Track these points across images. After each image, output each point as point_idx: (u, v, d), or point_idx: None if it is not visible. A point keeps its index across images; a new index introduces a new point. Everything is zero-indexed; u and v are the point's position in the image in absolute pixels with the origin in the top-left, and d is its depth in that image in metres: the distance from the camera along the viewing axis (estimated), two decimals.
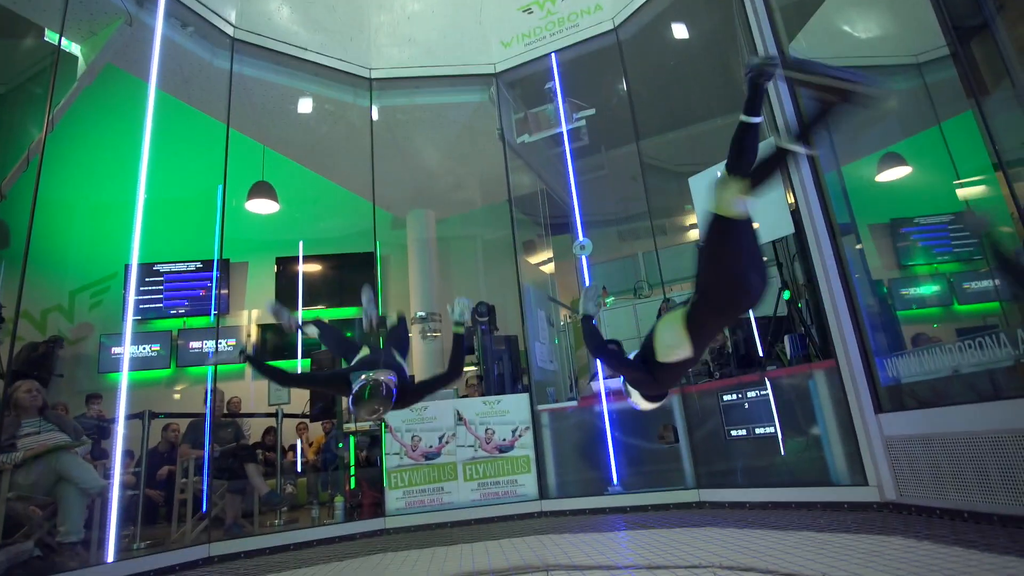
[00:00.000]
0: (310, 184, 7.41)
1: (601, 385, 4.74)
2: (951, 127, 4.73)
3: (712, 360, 4.71)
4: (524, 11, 5.63)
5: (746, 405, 4.22)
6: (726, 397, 4.33)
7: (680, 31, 5.56)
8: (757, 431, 4.14)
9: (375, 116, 5.97)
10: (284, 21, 5.38)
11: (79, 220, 7.66)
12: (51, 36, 4.66)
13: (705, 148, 6.56)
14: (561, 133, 5.45)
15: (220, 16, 4.94)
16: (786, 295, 4.55)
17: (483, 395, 5.41)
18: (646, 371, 2.44)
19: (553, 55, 5.57)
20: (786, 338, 4.24)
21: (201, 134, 5.63)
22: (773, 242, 4.39)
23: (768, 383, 4.10)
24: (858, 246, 4.93)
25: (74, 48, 4.78)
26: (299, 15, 5.45)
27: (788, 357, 4.17)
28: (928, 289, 6.78)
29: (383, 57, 5.82)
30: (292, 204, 7.82)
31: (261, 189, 7.12)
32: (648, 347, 2.43)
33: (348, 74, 5.69)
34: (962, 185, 4.99)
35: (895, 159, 5.97)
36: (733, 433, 4.26)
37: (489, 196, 7.64)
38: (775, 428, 4.03)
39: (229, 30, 5.04)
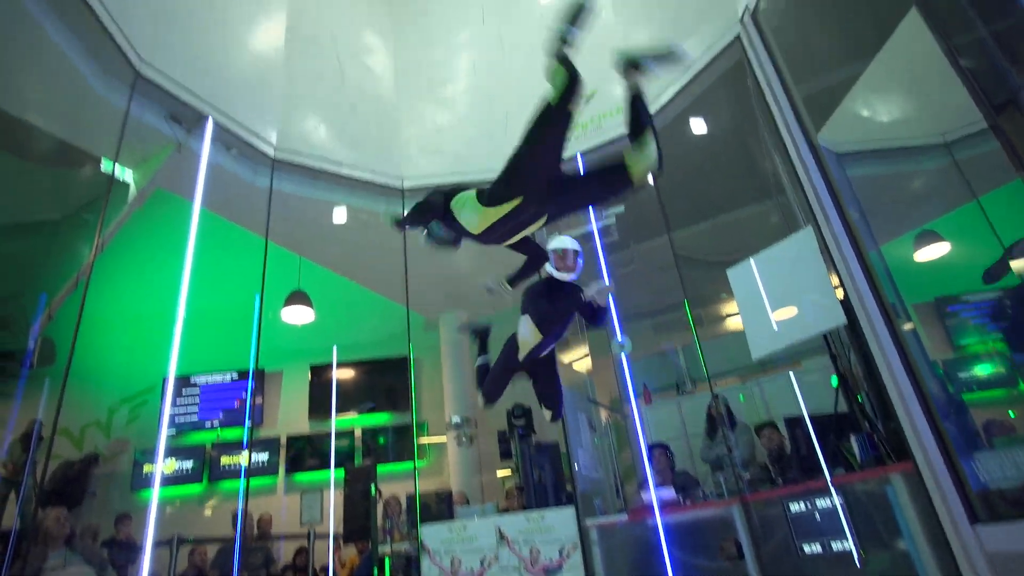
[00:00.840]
0: (344, 290, 7.51)
1: (653, 495, 4.37)
2: (990, 201, 4.59)
3: (772, 463, 4.33)
4: None
5: (817, 516, 3.80)
6: (793, 507, 3.92)
7: (703, 126, 5.67)
8: (834, 546, 3.69)
9: None
10: (321, 139, 5.68)
11: (121, 334, 7.83)
12: (106, 164, 4.98)
13: (736, 238, 6.49)
14: (591, 232, 5.46)
15: (262, 138, 5.23)
16: (833, 381, 4.25)
17: (524, 507, 5.05)
18: None
19: (579, 156, 5.69)
20: (852, 438, 3.88)
21: (239, 246, 5.81)
22: (825, 337, 4.15)
23: (838, 490, 3.71)
24: (908, 326, 4.67)
25: (126, 175, 5.08)
26: (335, 132, 5.76)
27: (858, 459, 3.79)
28: (987, 369, 6.35)
29: (414, 167, 6.04)
30: (326, 311, 7.90)
31: (297, 298, 7.23)
32: None
33: (381, 185, 5.90)
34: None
35: (932, 236, 5.79)
36: (807, 549, 3.81)
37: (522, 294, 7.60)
38: (852, 543, 3.59)
39: (270, 151, 5.32)
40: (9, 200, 5.89)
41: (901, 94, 4.82)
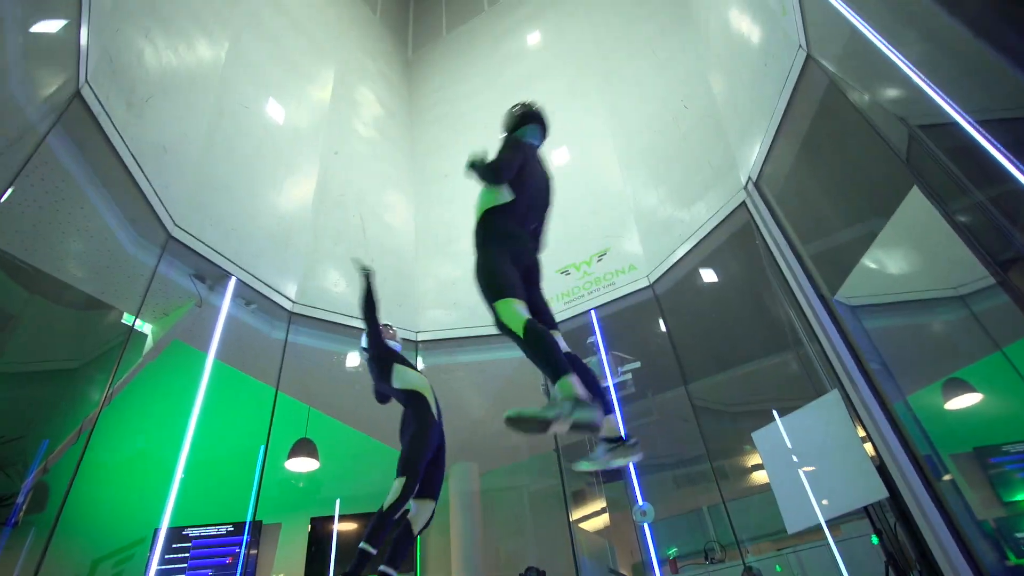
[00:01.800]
0: (350, 441, 7.28)
1: None
2: (1015, 351, 4.47)
3: None
4: (562, 272, 5.99)
5: None
6: None
7: (714, 279, 5.76)
8: None
9: None
10: (339, 294, 5.81)
11: (115, 484, 7.52)
12: (127, 318, 5.07)
13: (754, 388, 6.33)
14: (608, 387, 5.34)
15: (281, 294, 5.36)
16: (874, 540, 3.86)
17: None
18: None
19: (593, 311, 5.74)
20: None
21: (247, 396, 5.73)
22: (865, 508, 3.84)
23: None
24: (947, 477, 4.33)
25: (145, 327, 5.15)
26: (353, 288, 5.90)
27: None
28: None
29: (428, 320, 6.12)
30: (331, 461, 7.60)
31: (303, 447, 6.99)
32: None
33: None
34: None
35: (961, 385, 5.58)
36: None
37: (536, 447, 7.33)
38: None
39: (288, 305, 5.42)
40: (32, 346, 5.96)
41: (914, 251, 4.91)
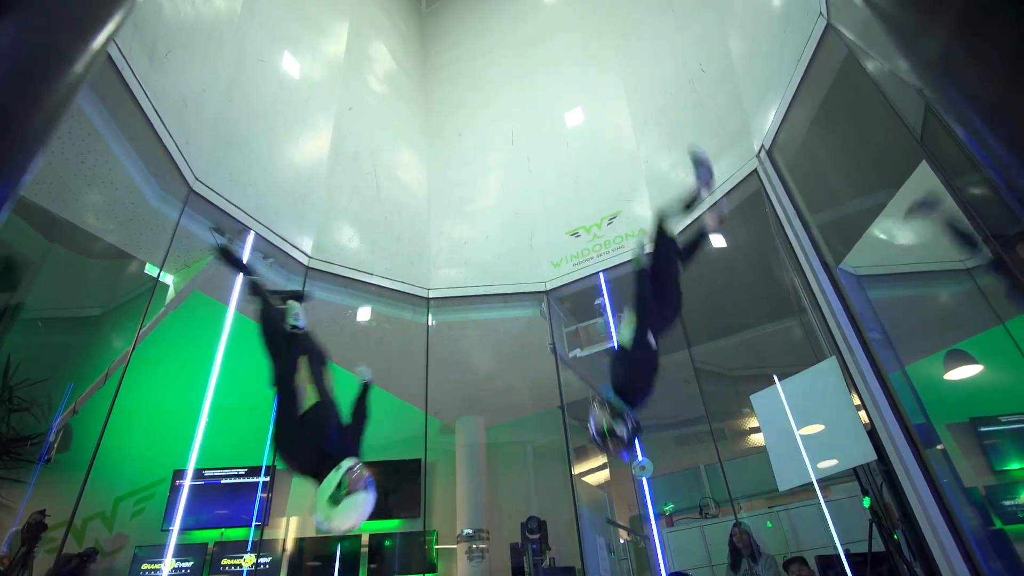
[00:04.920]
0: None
1: None
2: (1016, 325, 4.56)
3: None
4: (572, 235, 6.08)
5: None
6: None
7: (722, 246, 5.82)
8: None
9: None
10: (354, 249, 5.94)
11: (136, 427, 7.84)
12: (150, 268, 5.23)
13: (757, 353, 6.47)
14: (612, 347, 5.49)
15: (298, 248, 5.49)
16: (866, 502, 4.06)
17: None
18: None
19: (601, 274, 5.85)
20: None
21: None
22: (854, 470, 4.03)
23: None
24: (940, 447, 4.48)
25: (167, 278, 5.32)
26: (368, 244, 6.03)
27: None
28: None
29: (441, 278, 6.26)
30: (344, 411, 7.87)
31: None
32: None
33: (408, 294, 6.09)
34: None
35: (962, 356, 5.69)
36: None
37: (540, 403, 7.56)
38: None
39: (304, 260, 5.56)
40: (58, 293, 6.16)
41: (920, 224, 4.95)
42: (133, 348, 4.51)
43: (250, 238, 4.99)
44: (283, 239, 5.33)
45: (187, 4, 4.66)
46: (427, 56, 8.79)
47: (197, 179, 4.60)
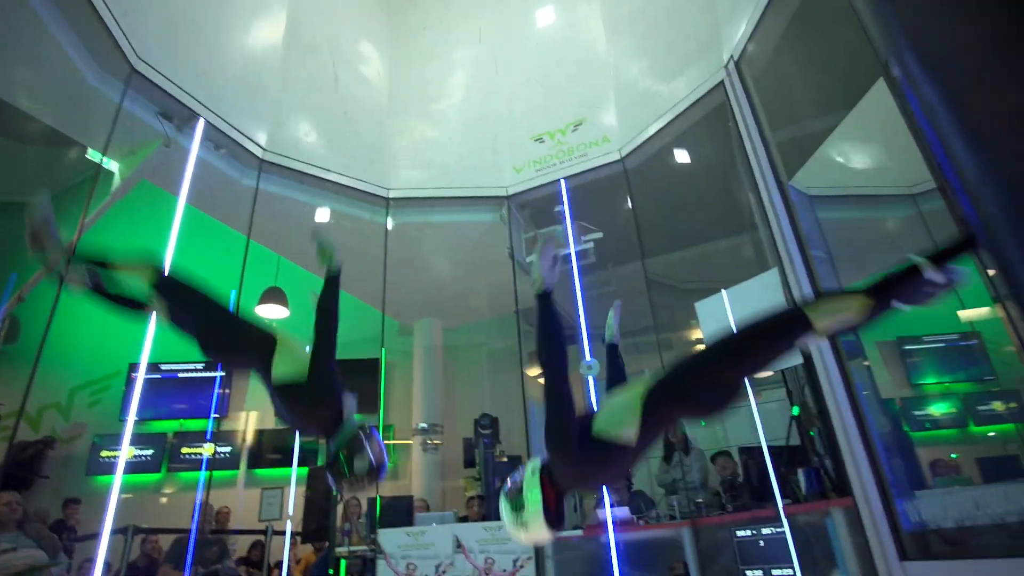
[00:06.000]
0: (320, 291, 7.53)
1: (608, 514, 4.53)
2: None
3: (724, 491, 4.52)
4: (536, 140, 6.02)
5: (762, 543, 4.00)
6: (739, 533, 4.12)
7: (684, 159, 5.89)
8: (775, 573, 3.89)
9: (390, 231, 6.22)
10: (310, 144, 5.75)
11: (89, 319, 7.73)
12: (93, 154, 4.97)
13: (708, 267, 6.71)
14: (569, 254, 5.62)
15: (252, 140, 5.28)
16: (795, 410, 4.46)
17: (484, 517, 5.17)
18: (576, 437, 1.84)
19: (562, 181, 5.87)
20: (800, 471, 4.09)
21: (219, 242, 5.82)
22: (782, 373, 4.37)
23: (785, 520, 3.91)
24: (865, 363, 4.87)
25: (111, 165, 5.08)
26: (325, 139, 5.83)
27: (803, 492, 4.01)
28: (942, 408, 6.67)
29: (401, 178, 6.15)
30: (301, 310, 7.90)
31: (273, 295, 7.24)
32: (587, 417, 1.94)
33: (367, 193, 5.99)
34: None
35: None
36: (748, 574, 4.01)
37: (497, 308, 7.74)
38: (794, 571, 3.79)
39: (259, 152, 5.37)
40: None
41: (874, 145, 5.10)
42: (78, 236, 4.37)
43: (200, 125, 4.77)
44: (236, 129, 5.11)
45: None
46: None
47: (140, 58, 4.30)
